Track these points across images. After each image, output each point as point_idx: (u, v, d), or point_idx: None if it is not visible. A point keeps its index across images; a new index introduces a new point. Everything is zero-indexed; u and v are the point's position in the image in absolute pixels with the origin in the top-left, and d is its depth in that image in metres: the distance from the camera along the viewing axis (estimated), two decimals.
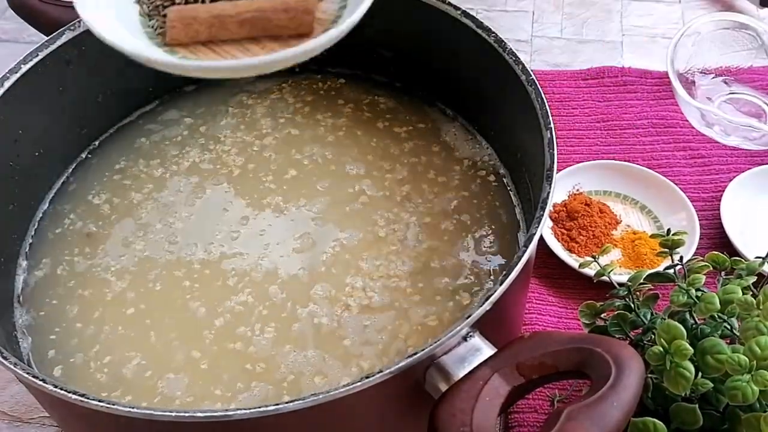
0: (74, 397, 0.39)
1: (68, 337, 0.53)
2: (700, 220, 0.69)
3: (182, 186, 0.60)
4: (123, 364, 0.51)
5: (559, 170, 0.65)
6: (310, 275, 0.54)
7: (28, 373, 0.41)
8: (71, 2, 0.60)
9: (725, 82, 0.81)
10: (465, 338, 0.41)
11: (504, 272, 0.43)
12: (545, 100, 0.50)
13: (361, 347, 0.51)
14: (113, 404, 0.39)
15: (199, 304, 0.53)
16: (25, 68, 0.54)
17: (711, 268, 0.53)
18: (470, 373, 0.40)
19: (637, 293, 0.55)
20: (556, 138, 0.48)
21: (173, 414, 0.38)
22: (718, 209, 0.70)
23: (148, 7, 0.38)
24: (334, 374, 0.49)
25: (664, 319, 0.50)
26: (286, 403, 0.38)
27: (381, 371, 0.39)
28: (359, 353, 0.50)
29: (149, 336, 0.52)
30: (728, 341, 0.49)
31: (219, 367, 0.50)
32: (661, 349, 0.46)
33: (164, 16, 0.37)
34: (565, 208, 0.70)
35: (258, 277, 0.54)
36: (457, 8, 0.57)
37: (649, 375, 0.49)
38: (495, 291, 0.42)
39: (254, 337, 0.51)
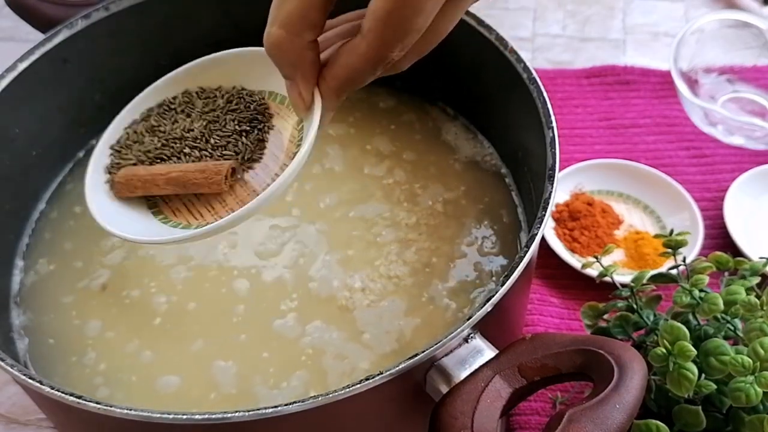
0: (71, 398, 0.39)
1: (66, 338, 0.52)
2: (703, 219, 0.68)
3: None
4: (123, 362, 0.51)
5: (561, 170, 0.64)
6: (307, 274, 0.54)
7: (24, 375, 0.41)
8: (68, 0, 0.60)
9: (729, 81, 0.80)
10: (466, 340, 0.41)
11: (505, 273, 0.43)
12: (547, 99, 0.50)
13: (356, 348, 0.50)
14: (110, 406, 0.39)
15: (199, 303, 0.53)
16: (21, 67, 0.54)
17: (714, 269, 0.53)
18: (471, 375, 0.40)
19: (640, 294, 0.54)
20: (558, 137, 0.48)
21: (171, 416, 0.38)
22: (722, 209, 0.69)
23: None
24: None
25: (667, 320, 0.50)
26: (285, 405, 0.38)
27: (381, 373, 0.38)
28: (354, 353, 0.50)
29: (150, 335, 0.52)
30: (732, 342, 0.49)
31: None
32: (664, 350, 0.46)
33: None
34: (567, 208, 0.70)
35: (258, 277, 0.54)
36: None
37: (652, 377, 0.49)
38: (496, 292, 0.41)
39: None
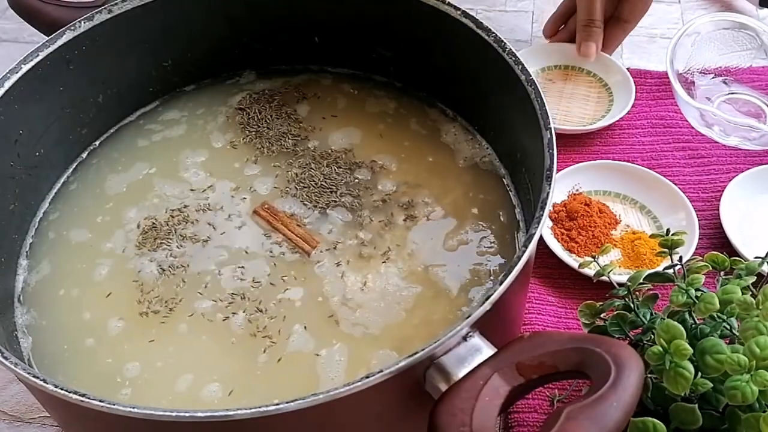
0: (74, 397, 0.39)
1: (69, 337, 0.53)
2: (699, 220, 0.69)
3: (184, 185, 0.60)
4: (123, 361, 0.51)
5: (558, 170, 0.65)
6: (307, 274, 0.54)
7: (28, 373, 0.41)
8: (71, 2, 0.60)
9: (724, 82, 0.81)
10: (465, 338, 0.41)
11: (504, 272, 0.43)
12: (545, 100, 0.50)
13: (356, 346, 0.51)
14: (114, 404, 0.39)
15: (199, 300, 0.53)
16: (25, 68, 0.54)
17: (710, 268, 0.53)
18: (470, 373, 0.40)
19: (637, 293, 0.55)
20: (556, 138, 0.48)
21: (173, 414, 0.38)
22: (718, 209, 0.70)
23: None
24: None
25: (664, 319, 0.50)
26: (287, 403, 0.38)
27: (381, 371, 0.39)
28: (355, 351, 0.51)
29: (150, 334, 0.52)
30: (728, 341, 0.49)
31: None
32: (661, 348, 0.46)
33: None
34: (564, 208, 0.70)
35: (257, 274, 0.54)
36: (456, 8, 0.57)
37: (649, 375, 0.49)
38: (495, 291, 0.42)
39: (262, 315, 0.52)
